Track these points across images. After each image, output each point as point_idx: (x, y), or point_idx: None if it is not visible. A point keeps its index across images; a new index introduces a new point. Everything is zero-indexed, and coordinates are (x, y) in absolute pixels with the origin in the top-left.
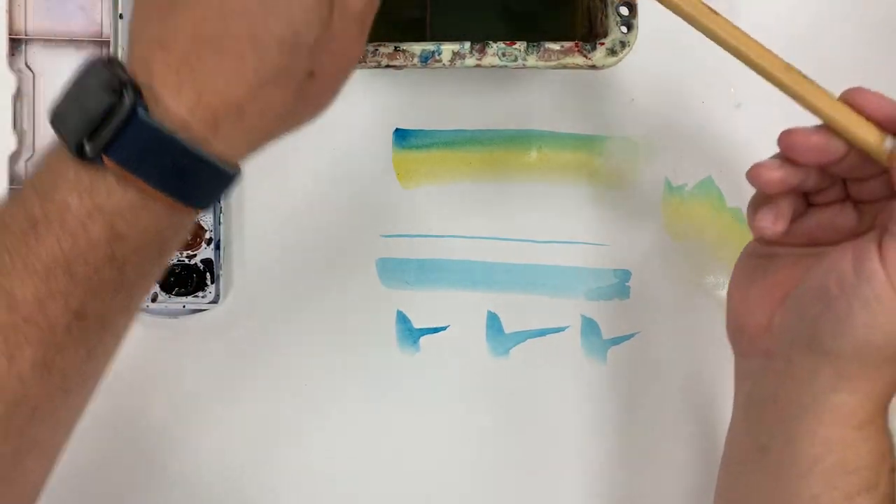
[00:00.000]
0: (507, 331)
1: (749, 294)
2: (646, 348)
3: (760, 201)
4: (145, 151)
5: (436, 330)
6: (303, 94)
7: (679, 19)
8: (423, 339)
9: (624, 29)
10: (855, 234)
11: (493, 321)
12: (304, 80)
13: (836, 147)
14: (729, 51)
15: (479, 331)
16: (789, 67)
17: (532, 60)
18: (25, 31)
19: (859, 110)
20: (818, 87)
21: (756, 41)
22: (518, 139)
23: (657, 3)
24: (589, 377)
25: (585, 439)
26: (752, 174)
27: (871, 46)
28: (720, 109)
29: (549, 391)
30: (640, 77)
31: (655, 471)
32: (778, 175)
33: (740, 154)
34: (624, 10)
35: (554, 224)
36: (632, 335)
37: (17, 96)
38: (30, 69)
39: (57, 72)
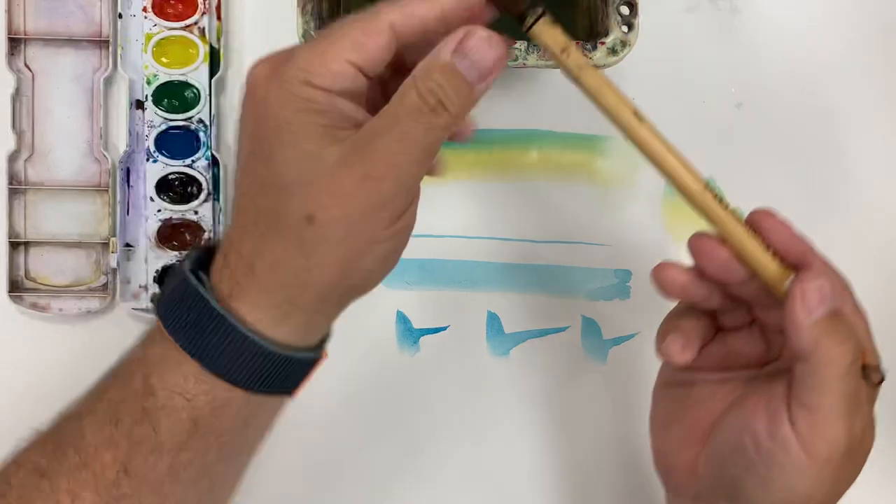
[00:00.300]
0: (507, 331)
1: (671, 433)
2: (646, 348)
3: (669, 328)
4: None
5: (436, 330)
6: (306, 245)
7: (679, 19)
8: (423, 339)
9: (625, 28)
10: (764, 361)
11: (493, 321)
12: (303, 225)
13: (739, 270)
14: (647, 158)
15: (479, 331)
16: (705, 189)
17: (532, 60)
18: (24, 31)
19: (764, 236)
20: (729, 210)
21: (678, 156)
22: (518, 139)
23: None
24: (589, 377)
25: (586, 439)
26: (657, 271)
27: (871, 47)
28: (721, 109)
29: (550, 391)
30: (641, 77)
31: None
32: (682, 279)
33: (741, 154)
34: (625, 10)
35: (554, 224)
36: (632, 335)
37: (16, 96)
38: (29, 69)
39: (56, 71)
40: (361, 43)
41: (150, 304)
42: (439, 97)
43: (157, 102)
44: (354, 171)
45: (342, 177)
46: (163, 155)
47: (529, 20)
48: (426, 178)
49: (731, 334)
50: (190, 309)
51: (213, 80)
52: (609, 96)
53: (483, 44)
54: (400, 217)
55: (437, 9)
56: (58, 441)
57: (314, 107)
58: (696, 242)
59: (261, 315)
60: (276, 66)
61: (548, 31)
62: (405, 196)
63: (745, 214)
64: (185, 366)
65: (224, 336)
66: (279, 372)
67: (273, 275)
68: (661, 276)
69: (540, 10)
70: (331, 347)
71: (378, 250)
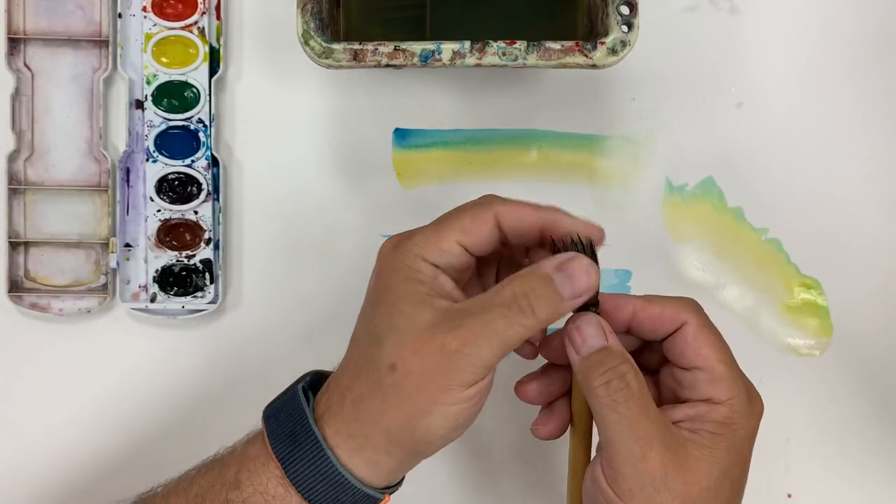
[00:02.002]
0: None
1: None
2: None
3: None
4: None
5: None
6: (384, 389)
7: (679, 19)
8: None
9: (625, 28)
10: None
11: None
12: (386, 371)
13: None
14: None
15: None
16: None
17: (532, 59)
18: (24, 31)
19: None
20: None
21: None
22: (518, 139)
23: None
24: None
25: None
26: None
27: (870, 47)
28: (721, 109)
29: None
30: (641, 76)
31: None
32: (527, 397)
33: (741, 153)
34: (625, 10)
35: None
36: None
37: (16, 96)
38: (28, 69)
39: (55, 71)
40: (470, 229)
41: (149, 304)
42: (530, 300)
43: (156, 102)
44: (436, 338)
45: (425, 339)
46: (162, 155)
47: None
48: (429, 179)
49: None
50: (291, 420)
51: (212, 80)
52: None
53: (582, 269)
54: (467, 388)
55: (541, 219)
56: None
57: (419, 277)
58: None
59: (340, 441)
60: (399, 241)
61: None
62: (473, 373)
63: (746, 212)
64: (271, 469)
65: (310, 451)
66: (344, 498)
67: (355, 408)
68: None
69: (596, 310)
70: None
71: (444, 412)
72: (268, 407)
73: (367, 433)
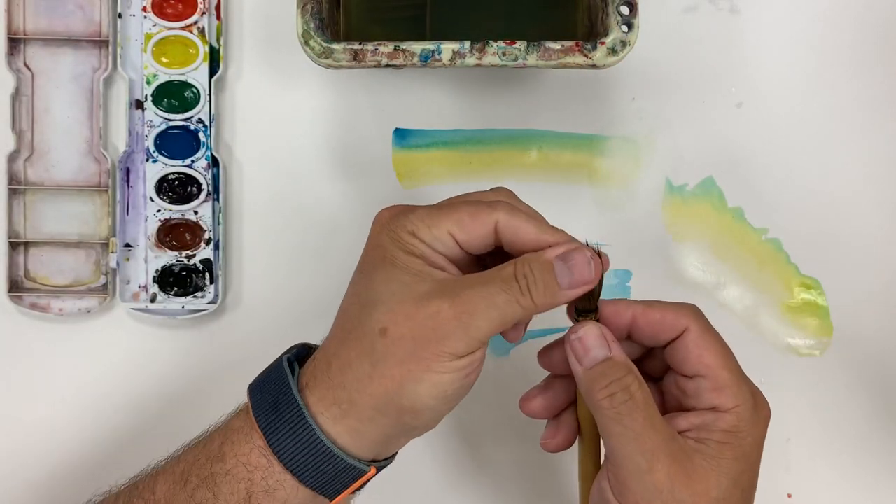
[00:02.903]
0: None
1: None
2: None
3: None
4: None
5: None
6: (374, 354)
7: (679, 19)
8: None
9: (625, 28)
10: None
11: None
12: (376, 335)
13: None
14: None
15: None
16: None
17: (532, 59)
18: (24, 31)
19: None
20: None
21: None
22: (518, 139)
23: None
24: None
25: None
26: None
27: (870, 47)
28: (721, 109)
29: None
30: (641, 76)
31: None
32: (530, 410)
33: (741, 153)
34: (625, 10)
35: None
36: None
37: (16, 96)
38: (28, 69)
39: (55, 71)
40: (465, 224)
41: (149, 304)
42: (529, 283)
43: (156, 102)
44: (432, 304)
45: (420, 305)
46: (162, 155)
47: (583, 315)
48: (429, 179)
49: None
50: (274, 389)
51: (212, 80)
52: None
53: (584, 261)
54: (459, 359)
55: (540, 242)
56: (130, 493)
57: (415, 251)
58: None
59: (323, 409)
60: (396, 214)
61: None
62: (467, 343)
63: (746, 212)
64: (254, 439)
65: (291, 419)
66: (326, 467)
67: (342, 374)
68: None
69: (594, 317)
70: None
71: (435, 380)
72: (254, 381)
73: (354, 399)
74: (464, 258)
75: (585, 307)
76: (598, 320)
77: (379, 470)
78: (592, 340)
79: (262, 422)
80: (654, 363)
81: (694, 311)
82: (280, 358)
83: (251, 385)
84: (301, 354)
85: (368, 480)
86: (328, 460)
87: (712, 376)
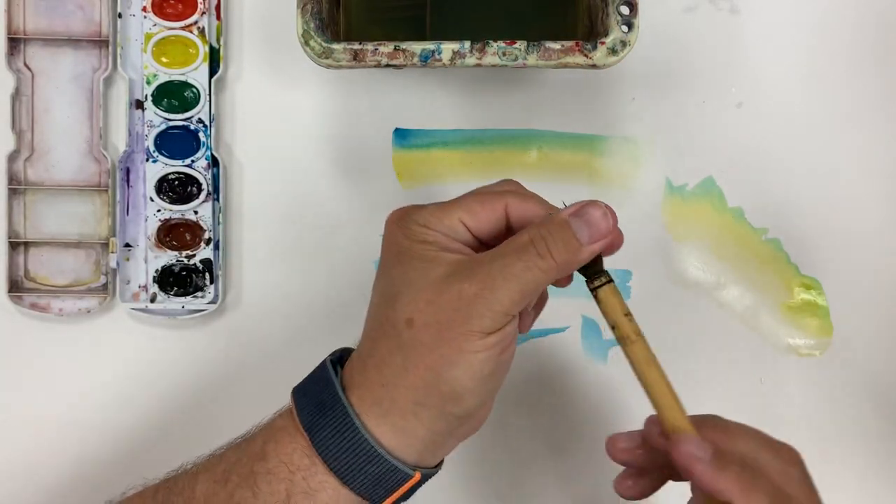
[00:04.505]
0: None
1: None
2: None
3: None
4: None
5: None
6: (403, 346)
7: (679, 19)
8: None
9: (625, 28)
10: None
11: None
12: (403, 327)
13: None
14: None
15: None
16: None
17: (532, 59)
18: (24, 31)
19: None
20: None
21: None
22: (518, 139)
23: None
24: (589, 377)
25: (585, 439)
26: (607, 448)
27: (870, 47)
28: (721, 109)
29: (550, 391)
30: (641, 76)
31: None
32: (622, 457)
33: (741, 153)
34: (625, 10)
35: None
36: None
37: (16, 96)
38: (28, 69)
39: (55, 71)
40: (476, 211)
41: (149, 304)
42: (548, 244)
43: (156, 102)
44: (452, 286)
45: (440, 289)
46: (162, 155)
47: (597, 282)
48: (429, 179)
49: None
50: (318, 390)
51: (212, 80)
52: (652, 373)
53: (599, 213)
54: (490, 335)
55: (547, 213)
56: (170, 490)
57: (429, 238)
58: (609, 444)
59: (365, 408)
60: (405, 212)
61: (610, 299)
62: (492, 319)
63: (746, 212)
64: (298, 439)
65: (336, 419)
66: (370, 469)
67: (378, 372)
68: (610, 447)
69: (607, 278)
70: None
71: (469, 360)
72: (299, 385)
73: (393, 396)
74: (476, 247)
75: (596, 270)
76: (611, 281)
77: (424, 478)
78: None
79: (306, 421)
80: None
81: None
82: (324, 361)
83: (295, 388)
84: (342, 357)
85: (414, 489)
86: (372, 461)
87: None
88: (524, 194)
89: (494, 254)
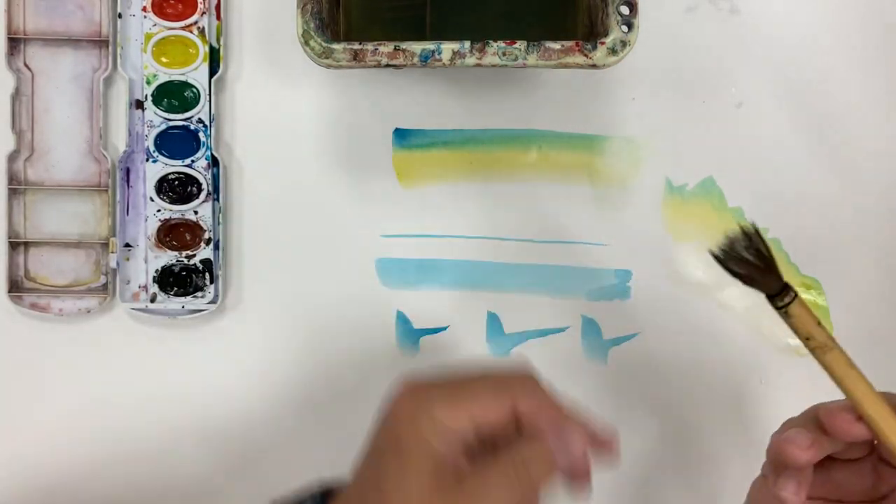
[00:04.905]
0: (507, 331)
1: None
2: (646, 349)
3: (780, 466)
4: None
5: (436, 330)
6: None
7: (679, 19)
8: (423, 339)
9: (625, 28)
10: (870, 498)
11: (493, 321)
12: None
13: (869, 436)
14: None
15: (479, 331)
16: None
17: (532, 59)
18: (24, 31)
19: None
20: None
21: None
22: (518, 139)
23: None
24: (589, 377)
25: None
26: (781, 450)
27: (871, 46)
28: (721, 109)
29: None
30: (641, 76)
31: (654, 471)
32: (808, 455)
33: (741, 153)
34: (625, 10)
35: (554, 224)
36: (632, 336)
37: (16, 96)
38: (28, 68)
39: (55, 71)
40: (488, 408)
41: (149, 304)
42: (529, 470)
43: (156, 102)
44: None
45: None
46: (162, 155)
47: (787, 299)
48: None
49: (841, 466)
50: None
51: (212, 80)
52: (851, 376)
53: (582, 456)
54: None
55: (556, 421)
56: None
57: (433, 442)
58: (829, 421)
59: None
60: (417, 397)
61: (802, 312)
62: None
63: (746, 212)
64: None
65: None
66: None
67: None
68: (785, 455)
69: (794, 292)
70: (330, 347)
71: None
72: None
73: None
74: (474, 440)
75: (781, 286)
76: (797, 294)
77: None
78: None
79: None
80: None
81: None
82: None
83: None
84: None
85: None
86: None
87: None
88: (541, 407)
89: (477, 481)
